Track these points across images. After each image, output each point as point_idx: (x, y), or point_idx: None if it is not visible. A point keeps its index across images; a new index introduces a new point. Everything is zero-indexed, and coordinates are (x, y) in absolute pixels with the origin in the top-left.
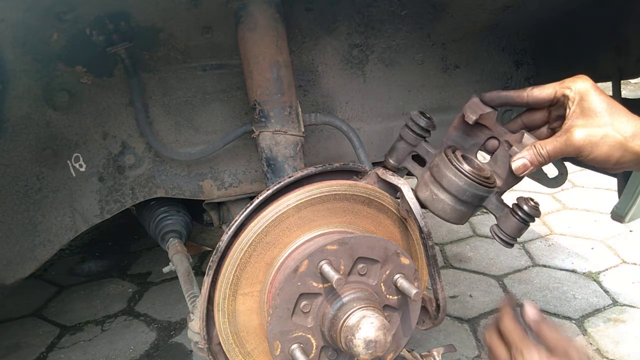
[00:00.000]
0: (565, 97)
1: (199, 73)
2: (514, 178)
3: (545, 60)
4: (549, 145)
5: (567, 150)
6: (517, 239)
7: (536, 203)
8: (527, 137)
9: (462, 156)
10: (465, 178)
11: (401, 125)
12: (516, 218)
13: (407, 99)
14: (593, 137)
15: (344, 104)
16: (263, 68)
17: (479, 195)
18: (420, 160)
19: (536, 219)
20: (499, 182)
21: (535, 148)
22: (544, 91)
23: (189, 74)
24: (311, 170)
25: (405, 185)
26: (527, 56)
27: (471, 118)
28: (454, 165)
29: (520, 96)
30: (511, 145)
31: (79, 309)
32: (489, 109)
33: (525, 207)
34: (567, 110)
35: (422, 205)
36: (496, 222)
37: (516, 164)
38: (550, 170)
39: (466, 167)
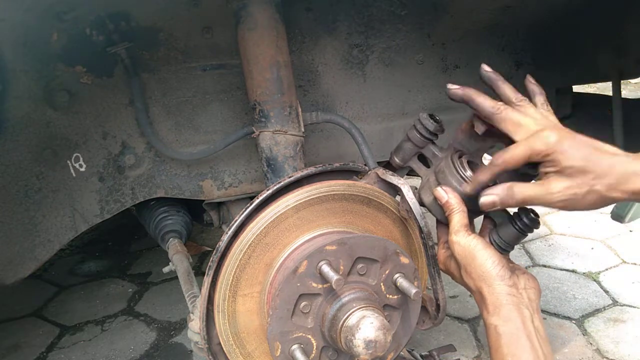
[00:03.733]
0: (540, 159)
1: (199, 73)
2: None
3: (545, 60)
4: (528, 192)
5: (545, 205)
6: (514, 247)
7: (536, 215)
8: None
9: (469, 162)
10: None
11: (401, 125)
12: (515, 228)
13: (407, 99)
14: (572, 200)
15: (344, 104)
16: (263, 68)
17: None
18: (425, 160)
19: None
20: None
21: (512, 190)
22: (515, 157)
23: (189, 74)
24: (311, 170)
25: (405, 185)
26: (527, 56)
27: (480, 128)
28: (459, 173)
29: (495, 168)
30: None
31: (79, 309)
32: None
33: (525, 219)
34: (545, 167)
35: (424, 207)
36: (495, 229)
37: (485, 199)
38: None
39: (470, 175)
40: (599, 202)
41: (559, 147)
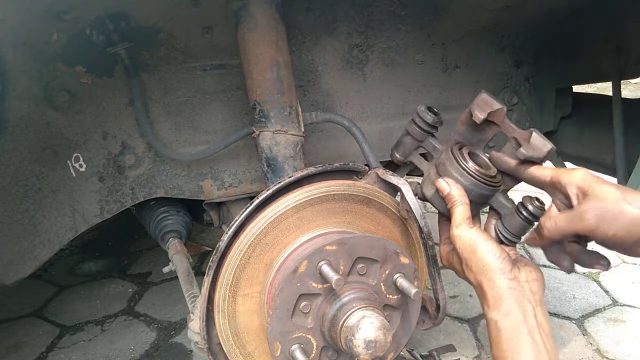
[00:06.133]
0: (565, 193)
1: (199, 73)
2: (519, 176)
3: (545, 60)
4: (560, 222)
5: (579, 229)
6: (521, 238)
7: (542, 203)
8: (535, 136)
9: (470, 153)
10: (471, 178)
11: (401, 125)
12: (521, 217)
13: (407, 99)
14: (608, 213)
15: (344, 104)
16: (263, 68)
17: (484, 195)
18: (426, 156)
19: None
20: (505, 180)
21: (546, 225)
22: (542, 176)
23: (189, 74)
24: (311, 170)
25: (405, 185)
26: (527, 56)
27: (479, 117)
28: (460, 164)
29: (517, 170)
30: (519, 144)
31: (79, 309)
32: (498, 105)
33: (530, 207)
34: (573, 202)
35: (427, 202)
36: (500, 220)
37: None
38: None
39: (472, 166)
40: (635, 225)
41: (589, 182)
